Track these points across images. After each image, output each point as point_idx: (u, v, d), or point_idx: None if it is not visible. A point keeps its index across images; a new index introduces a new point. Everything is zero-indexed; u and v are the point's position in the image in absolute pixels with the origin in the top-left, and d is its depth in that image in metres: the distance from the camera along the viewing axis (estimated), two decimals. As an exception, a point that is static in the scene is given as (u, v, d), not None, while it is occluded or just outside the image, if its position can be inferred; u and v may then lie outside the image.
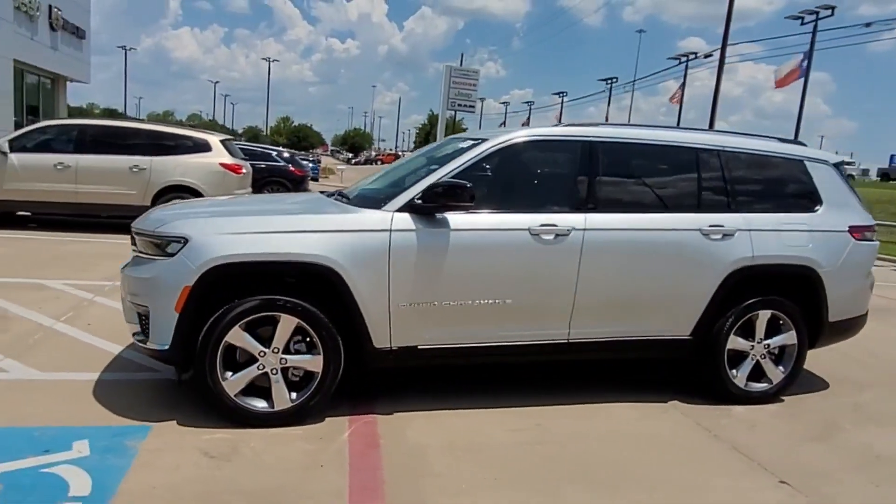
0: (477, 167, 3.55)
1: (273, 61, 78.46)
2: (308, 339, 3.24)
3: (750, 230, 3.81)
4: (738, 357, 3.91)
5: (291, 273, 3.21)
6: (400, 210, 3.33)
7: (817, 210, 4.04)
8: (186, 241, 3.11)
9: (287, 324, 3.17)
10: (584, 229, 3.53)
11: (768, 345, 3.94)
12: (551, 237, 3.47)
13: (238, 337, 3.13)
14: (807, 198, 4.09)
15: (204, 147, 9.52)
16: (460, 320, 3.42)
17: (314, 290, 3.20)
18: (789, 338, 3.97)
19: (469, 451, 3.09)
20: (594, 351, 3.74)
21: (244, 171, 9.93)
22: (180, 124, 13.92)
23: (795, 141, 4.76)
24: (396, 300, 3.29)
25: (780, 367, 4.01)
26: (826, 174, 4.15)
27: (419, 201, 3.32)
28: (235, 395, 3.17)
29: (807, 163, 4.12)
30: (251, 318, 3.13)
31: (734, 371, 3.90)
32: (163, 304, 3.11)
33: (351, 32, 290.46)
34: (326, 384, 3.26)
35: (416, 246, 3.30)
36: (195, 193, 9.13)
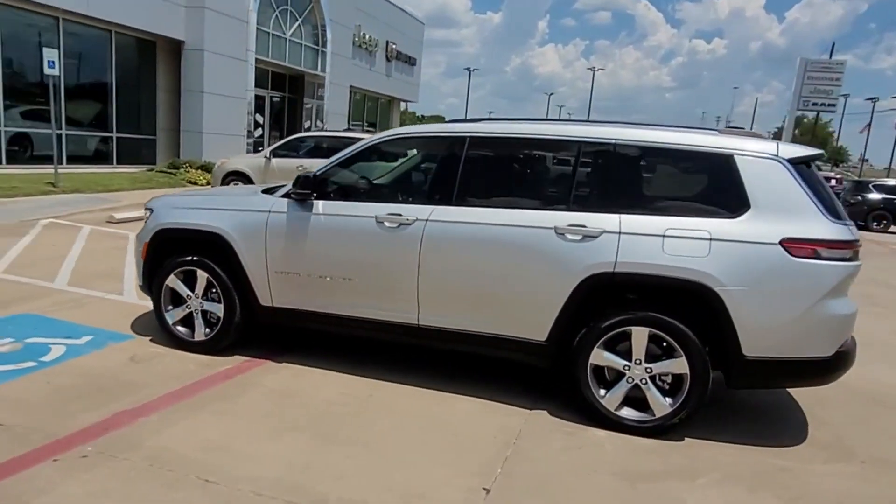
0: (350, 162, 4.04)
1: (598, 70, 79.49)
2: (216, 291, 4.24)
3: (620, 233, 3.36)
4: (615, 376, 3.47)
5: (200, 239, 4.24)
6: (283, 196, 4.07)
7: (739, 215, 3.27)
8: (152, 211, 4.44)
9: (202, 278, 4.23)
10: (427, 220, 3.69)
11: (650, 369, 3.39)
12: (395, 225, 3.74)
13: (173, 281, 4.31)
14: (725, 200, 3.33)
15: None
16: (318, 290, 3.98)
17: (216, 254, 4.18)
18: (678, 365, 3.33)
19: (295, 400, 3.65)
20: (447, 340, 3.80)
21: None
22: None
23: (747, 132, 3.74)
24: (272, 267, 4.05)
25: (669, 399, 3.39)
26: (765, 172, 3.29)
27: (291, 189, 4.01)
28: (174, 324, 4.36)
29: (737, 157, 3.33)
30: (181, 269, 4.29)
31: (602, 391, 3.49)
32: (137, 254, 4.50)
33: (718, 31, 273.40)
34: (229, 327, 4.21)
35: (285, 226, 4.00)
36: None
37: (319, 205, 3.95)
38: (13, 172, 12.58)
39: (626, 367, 3.42)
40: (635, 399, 3.45)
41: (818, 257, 3.15)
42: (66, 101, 14.46)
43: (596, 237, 3.39)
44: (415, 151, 4.39)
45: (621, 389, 3.44)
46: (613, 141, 3.53)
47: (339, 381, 3.96)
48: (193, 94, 16.86)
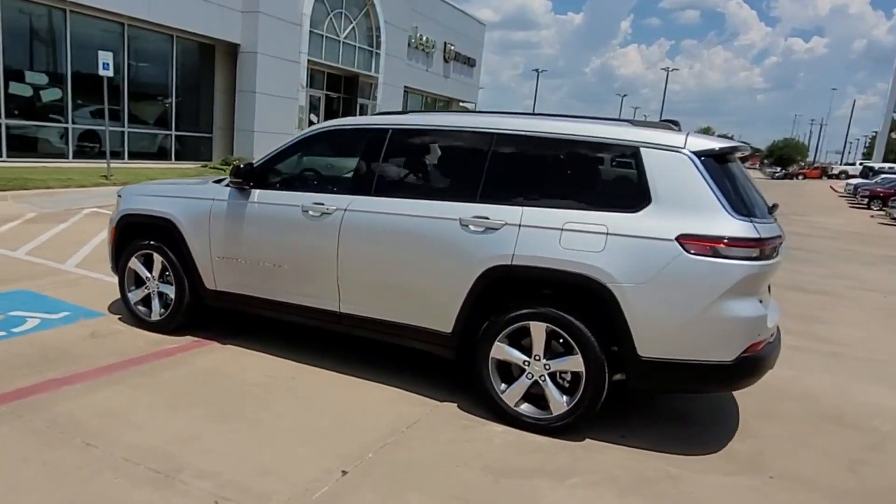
0: (290, 153, 4.18)
1: (672, 70, 76.81)
2: (169, 273, 4.49)
3: (520, 225, 3.31)
4: (517, 371, 3.43)
5: (155, 225, 4.49)
6: (228, 185, 4.26)
7: (639, 210, 3.15)
8: (121, 197, 4.76)
9: (157, 261, 4.50)
10: (346, 210, 3.77)
11: (548, 366, 3.32)
12: (318, 214, 3.85)
13: (135, 264, 4.60)
14: (628, 193, 3.22)
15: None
16: (254, 276, 4.14)
17: (168, 239, 4.43)
18: (574, 363, 3.25)
19: (216, 379, 3.82)
20: (366, 328, 3.86)
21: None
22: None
23: (663, 122, 3.54)
24: (214, 252, 4.25)
25: (566, 398, 3.31)
26: (669, 165, 3.15)
27: (230, 178, 4.19)
28: (135, 304, 4.65)
29: (643, 150, 3.21)
30: (141, 252, 4.57)
31: (504, 385, 3.45)
32: (108, 237, 4.83)
33: (818, 29, 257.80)
34: (179, 308, 4.44)
35: (225, 213, 4.19)
36: None
37: (256, 194, 4.11)
38: (76, 166, 13.65)
39: (526, 363, 3.36)
40: (536, 396, 3.39)
41: (716, 255, 2.99)
42: (130, 100, 15.53)
43: (497, 229, 3.36)
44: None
45: (521, 385, 3.39)
46: (522, 133, 3.49)
47: (271, 364, 4.11)
48: (246, 95, 17.68)
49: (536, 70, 65.75)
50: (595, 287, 3.13)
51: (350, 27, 21.51)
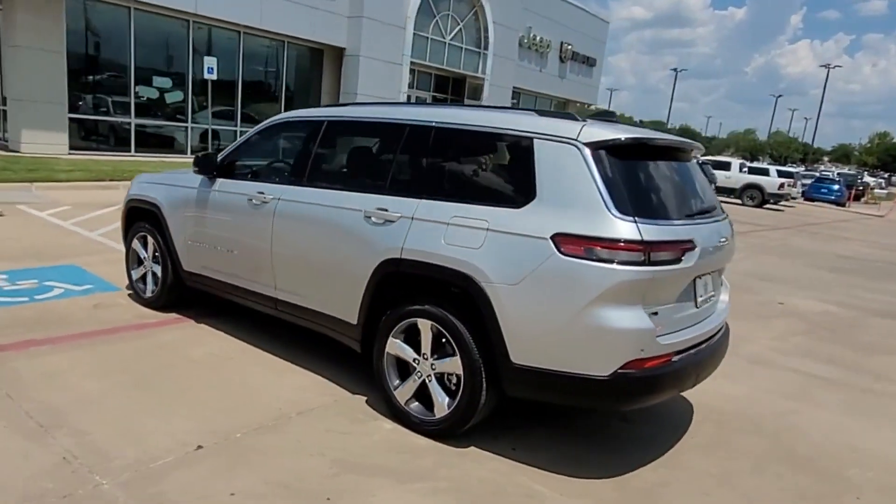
0: (249, 143, 4.38)
1: (834, 67, 68.52)
2: (158, 254, 4.91)
3: (413, 219, 3.23)
4: (411, 369, 3.34)
5: (147, 209, 4.92)
6: (200, 173, 4.57)
7: (523, 205, 2.93)
8: (130, 185, 5.27)
9: (150, 242, 4.93)
10: (279, 199, 3.90)
11: (434, 365, 3.20)
12: (258, 203, 4.01)
13: (135, 244, 5.08)
14: (516, 188, 3.00)
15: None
16: (214, 259, 4.40)
17: (156, 222, 4.84)
18: (454, 365, 3.10)
19: (163, 352, 4.12)
20: (295, 315, 3.95)
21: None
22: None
23: (563, 114, 3.16)
24: (186, 235, 4.58)
25: (448, 400, 3.16)
26: (558, 158, 2.89)
27: (192, 167, 4.48)
28: (136, 281, 5.14)
29: (535, 141, 2.98)
30: (139, 234, 5.03)
31: (397, 381, 3.37)
32: (121, 219, 5.38)
33: None
34: (164, 286, 4.84)
35: (194, 200, 4.50)
36: None
37: (218, 182, 4.37)
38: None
39: (416, 361, 3.27)
40: (426, 396, 3.28)
41: (590, 257, 2.72)
42: (243, 101, 16.99)
43: (394, 222, 3.30)
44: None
45: (412, 383, 3.31)
46: (427, 123, 3.40)
47: (223, 344, 4.35)
48: (349, 97, 18.58)
49: (675, 70, 61.95)
50: (471, 286, 2.97)
51: (457, 29, 21.81)
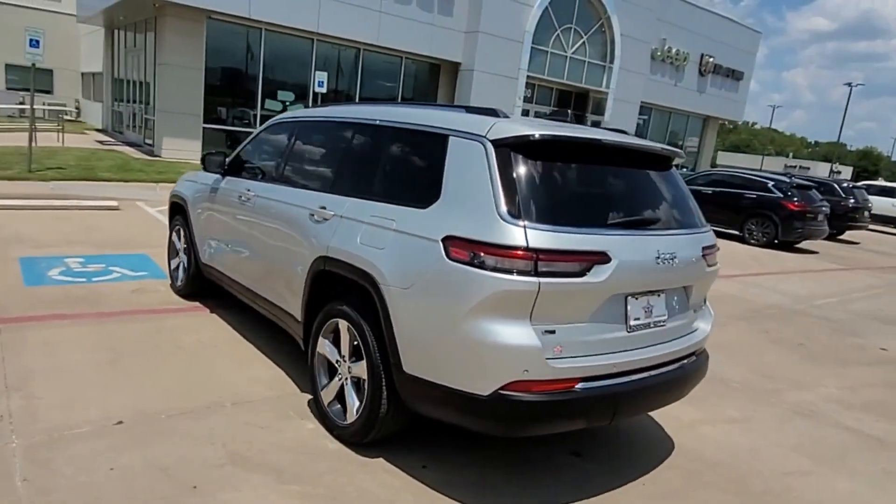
0: (251, 144, 4.58)
1: None
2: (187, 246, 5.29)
3: (342, 217, 3.18)
4: (334, 370, 3.28)
5: (179, 204, 5.32)
6: (206, 171, 4.85)
7: (429, 205, 2.75)
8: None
9: (182, 235, 5.34)
10: (258, 196, 4.04)
11: (350, 368, 3.10)
12: (244, 200, 4.18)
13: (173, 237, 5.54)
14: (427, 186, 2.82)
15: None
16: (217, 253, 4.66)
17: (184, 216, 5.22)
18: (361, 369, 2.98)
19: (161, 336, 4.43)
20: (268, 310, 4.04)
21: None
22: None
23: (487, 109, 2.82)
24: (202, 229, 4.90)
25: (358, 405, 3.04)
26: (464, 156, 2.69)
27: (202, 164, 4.76)
28: (172, 270, 5.59)
29: (450, 138, 2.79)
30: (175, 227, 5.47)
31: (326, 380, 3.32)
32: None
33: None
34: (188, 276, 5.23)
35: (207, 195, 4.80)
36: None
37: (224, 181, 4.63)
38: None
39: (338, 363, 3.20)
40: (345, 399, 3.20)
41: (474, 263, 2.48)
42: (361, 114, 17.89)
43: (328, 220, 3.28)
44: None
45: (334, 385, 3.24)
46: (363, 121, 3.38)
47: (218, 333, 4.58)
48: (462, 110, 18.84)
49: (849, 84, 55.26)
50: (373, 287, 2.85)
51: (580, 42, 21.29)
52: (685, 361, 3.04)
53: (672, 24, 24.64)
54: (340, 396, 3.21)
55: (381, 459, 3.03)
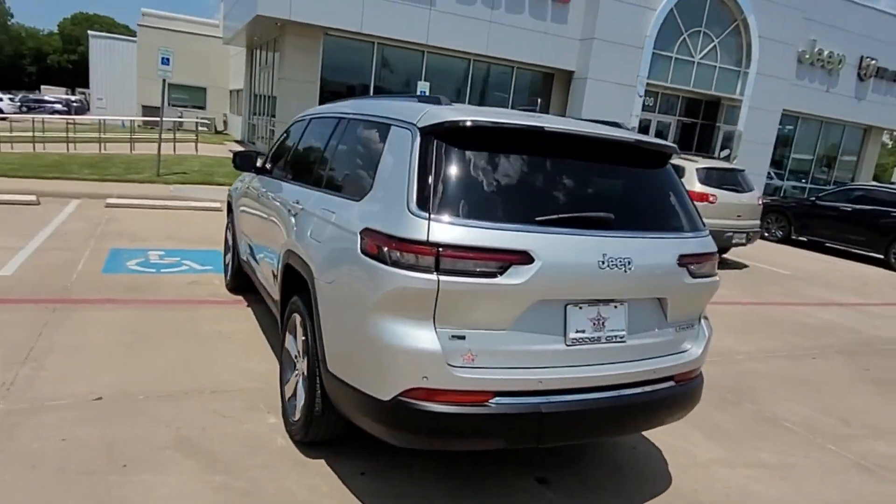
0: (279, 142, 4.70)
1: None
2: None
3: (303, 210, 3.14)
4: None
5: (229, 202, 5.60)
6: (238, 169, 5.04)
7: (363, 197, 2.62)
8: (236, 182, 6.11)
9: (229, 232, 5.63)
10: (266, 192, 4.14)
11: (301, 364, 3.03)
12: (258, 197, 4.31)
13: (227, 234, 5.86)
14: (365, 178, 2.70)
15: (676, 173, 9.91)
16: (246, 248, 4.84)
17: (231, 214, 5.50)
18: (304, 365, 2.90)
19: (186, 325, 4.69)
20: (272, 304, 4.09)
21: (713, 199, 9.56)
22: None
23: (434, 98, 2.51)
24: (240, 228, 5.13)
25: (303, 402, 2.95)
26: (396, 145, 2.53)
27: (233, 163, 4.95)
28: (225, 265, 5.92)
29: (392, 128, 2.65)
30: (228, 225, 5.79)
31: (288, 376, 3.27)
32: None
33: None
34: (231, 271, 5.50)
35: (242, 195, 5.02)
36: None
37: (255, 179, 4.81)
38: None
39: (296, 357, 3.16)
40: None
41: (379, 258, 2.31)
42: (470, 125, 17.99)
43: (297, 214, 3.26)
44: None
45: (293, 380, 3.19)
46: (337, 115, 3.37)
47: (240, 325, 4.76)
48: (573, 119, 18.28)
49: None
50: (309, 281, 2.77)
51: (710, 46, 19.77)
52: (658, 386, 2.61)
53: (823, 23, 22.09)
54: (295, 393, 3.15)
55: (321, 461, 2.93)
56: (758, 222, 10.42)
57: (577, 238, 2.35)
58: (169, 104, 29.13)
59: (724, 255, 10.87)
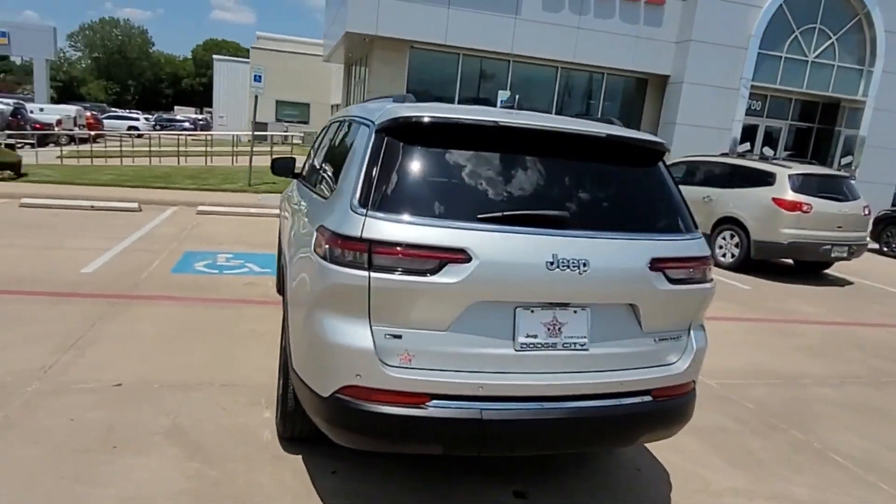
0: (314, 146, 4.85)
1: None
2: (282, 245, 5.82)
3: (299, 210, 3.24)
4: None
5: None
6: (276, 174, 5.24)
7: (331, 195, 2.65)
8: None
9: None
10: (291, 195, 4.28)
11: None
12: (294, 201, 4.47)
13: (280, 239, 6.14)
14: (336, 177, 2.71)
15: (766, 180, 9.14)
16: (283, 251, 5.03)
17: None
18: (286, 361, 2.95)
19: (227, 323, 4.98)
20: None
21: (808, 209, 8.69)
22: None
23: (404, 97, 2.40)
24: (288, 230, 5.36)
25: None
26: (359, 144, 2.54)
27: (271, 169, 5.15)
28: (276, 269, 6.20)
29: (360, 128, 2.68)
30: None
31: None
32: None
33: None
34: (278, 272, 5.75)
35: (283, 201, 5.23)
36: (741, 227, 9.22)
37: (293, 184, 5.00)
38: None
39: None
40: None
41: (324, 254, 2.31)
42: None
43: (296, 214, 3.36)
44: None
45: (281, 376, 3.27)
46: (342, 118, 3.39)
47: (276, 325, 4.86)
48: (667, 126, 17.40)
49: None
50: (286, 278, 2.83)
51: (826, 44, 18.11)
52: (629, 400, 2.40)
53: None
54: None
55: (298, 457, 2.97)
56: (864, 234, 9.36)
57: (522, 237, 2.22)
58: (276, 119, 31.17)
59: (826, 271, 9.87)
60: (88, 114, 27.24)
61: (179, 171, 14.42)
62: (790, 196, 8.83)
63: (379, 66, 15.98)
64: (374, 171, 2.31)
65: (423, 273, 2.16)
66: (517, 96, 3.21)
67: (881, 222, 13.28)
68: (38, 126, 20.19)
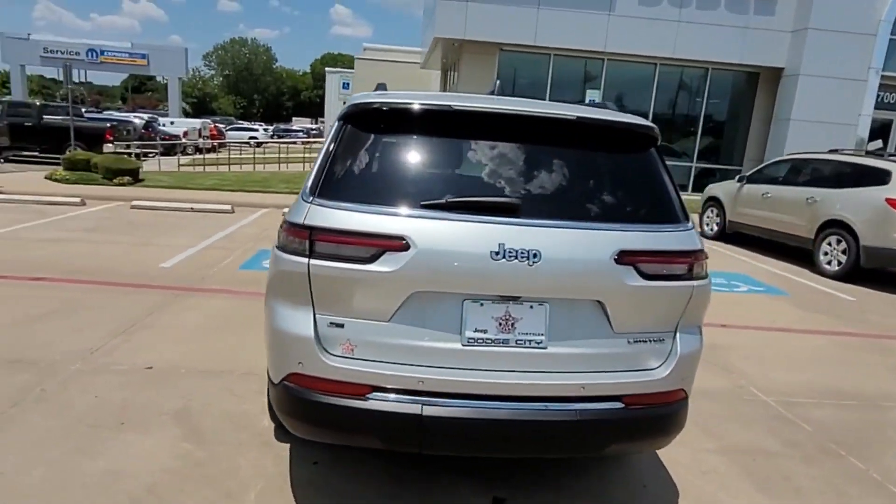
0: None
1: None
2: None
3: None
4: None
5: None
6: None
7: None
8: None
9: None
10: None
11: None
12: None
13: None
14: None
15: (879, 179, 8.08)
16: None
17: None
18: (276, 350, 3.00)
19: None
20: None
21: (930, 210, 7.59)
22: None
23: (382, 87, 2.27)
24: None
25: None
26: (330, 134, 2.51)
27: None
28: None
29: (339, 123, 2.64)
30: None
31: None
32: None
33: None
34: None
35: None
36: (850, 231, 8.25)
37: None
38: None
39: (288, 345, 3.30)
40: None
41: (278, 244, 2.34)
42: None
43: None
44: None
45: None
46: None
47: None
48: (781, 123, 15.97)
49: None
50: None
51: (981, 23, 15.83)
52: (593, 406, 2.19)
53: None
54: (286, 379, 3.28)
55: (286, 446, 3.01)
56: None
57: (465, 225, 2.09)
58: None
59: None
60: (212, 125, 29.72)
61: (276, 176, 15.31)
62: (909, 196, 7.77)
63: (469, 70, 16.06)
64: (330, 160, 2.30)
65: (361, 261, 2.10)
66: (497, 81, 3.05)
67: None
68: (166, 137, 22.33)
